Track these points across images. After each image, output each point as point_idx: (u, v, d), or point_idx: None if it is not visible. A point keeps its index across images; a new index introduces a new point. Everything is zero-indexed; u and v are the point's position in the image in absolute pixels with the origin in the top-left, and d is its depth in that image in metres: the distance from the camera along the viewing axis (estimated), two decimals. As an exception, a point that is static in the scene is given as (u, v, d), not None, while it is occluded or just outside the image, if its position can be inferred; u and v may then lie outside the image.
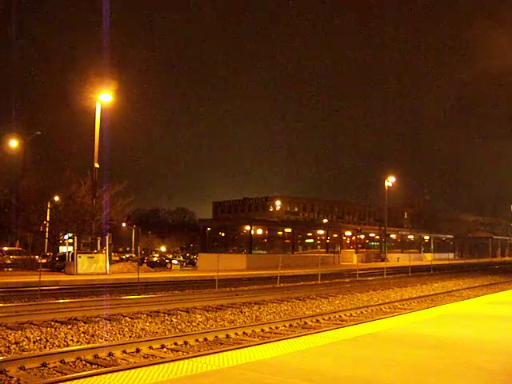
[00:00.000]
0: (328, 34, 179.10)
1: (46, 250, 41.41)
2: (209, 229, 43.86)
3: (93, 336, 10.54)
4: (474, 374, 5.44)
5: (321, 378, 5.18)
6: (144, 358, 8.82)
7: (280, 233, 45.86)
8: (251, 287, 22.43)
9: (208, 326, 12.35)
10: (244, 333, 11.18)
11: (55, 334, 10.43)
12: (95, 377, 5.29)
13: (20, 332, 10.48)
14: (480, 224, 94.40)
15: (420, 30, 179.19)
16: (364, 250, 53.90)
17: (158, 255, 61.26)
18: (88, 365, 8.17)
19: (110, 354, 8.72)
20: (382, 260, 51.35)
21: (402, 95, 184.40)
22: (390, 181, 56.60)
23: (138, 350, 9.12)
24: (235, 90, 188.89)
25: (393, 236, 60.95)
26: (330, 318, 13.80)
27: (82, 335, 10.51)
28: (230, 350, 7.61)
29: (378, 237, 58.20)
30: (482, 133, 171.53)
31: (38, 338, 10.01)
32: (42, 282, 18.24)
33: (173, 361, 6.20)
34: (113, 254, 43.19)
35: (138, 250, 55.94)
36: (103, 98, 28.70)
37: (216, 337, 10.57)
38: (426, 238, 67.03)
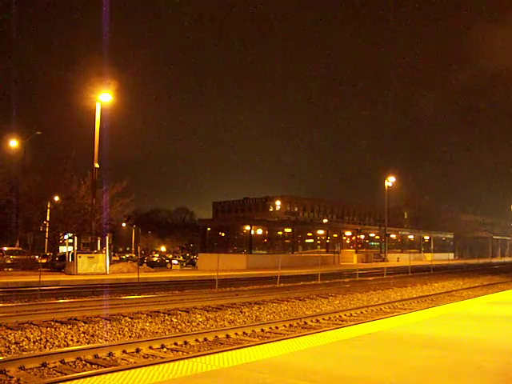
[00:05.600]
0: (328, 33, 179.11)
1: (45, 250, 41.39)
2: (209, 229, 43.84)
3: (93, 336, 10.54)
4: (474, 374, 5.43)
5: (321, 378, 5.17)
6: (144, 357, 8.81)
7: (280, 233, 45.87)
8: (251, 287, 22.43)
9: (208, 326, 12.34)
10: (244, 333, 11.17)
11: (55, 334, 10.43)
12: (95, 377, 5.28)
13: (20, 332, 10.47)
14: (480, 224, 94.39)
15: (421, 30, 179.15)
16: (364, 250, 53.87)
17: (157, 255, 61.20)
18: (88, 365, 8.17)
19: (109, 354, 8.71)
20: (382, 260, 51.33)
21: (402, 95, 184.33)
22: (390, 181, 56.58)
23: (137, 350, 9.11)
24: (235, 89, 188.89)
25: (393, 236, 60.92)
26: (330, 317, 13.79)
27: (82, 335, 10.51)
28: (229, 350, 7.60)
29: (378, 237, 58.18)
30: (482, 133, 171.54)
31: (38, 338, 10.01)
32: (42, 281, 18.23)
33: (173, 361, 6.19)
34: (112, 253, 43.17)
35: (138, 250, 55.93)
36: (103, 97, 28.68)
37: (216, 337, 10.57)
38: (426, 237, 67.00)
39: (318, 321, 13.22)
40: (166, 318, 12.96)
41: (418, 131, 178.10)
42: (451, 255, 65.77)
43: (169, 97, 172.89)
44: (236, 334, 11.02)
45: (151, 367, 5.60)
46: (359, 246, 53.66)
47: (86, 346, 9.37)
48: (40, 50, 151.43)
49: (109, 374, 5.38)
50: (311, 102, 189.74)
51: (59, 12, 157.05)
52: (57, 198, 36.39)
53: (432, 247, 66.49)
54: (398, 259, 54.27)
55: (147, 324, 12.06)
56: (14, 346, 9.38)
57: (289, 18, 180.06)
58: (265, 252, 41.93)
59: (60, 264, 30.86)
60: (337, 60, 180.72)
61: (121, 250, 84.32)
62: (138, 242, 72.92)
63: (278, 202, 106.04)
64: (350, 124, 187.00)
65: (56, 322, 11.85)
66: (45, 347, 9.49)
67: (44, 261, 34.10)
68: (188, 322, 12.62)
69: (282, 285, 23.65)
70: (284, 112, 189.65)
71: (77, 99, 32.68)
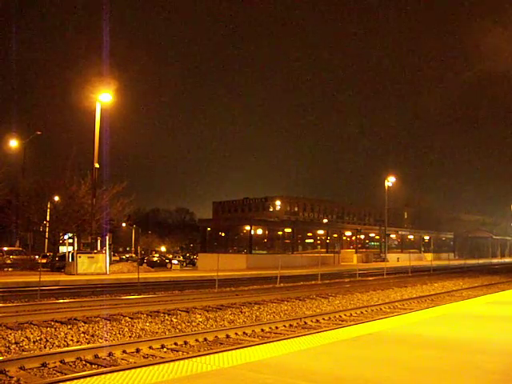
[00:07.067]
0: (328, 33, 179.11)
1: (45, 250, 41.40)
2: (209, 229, 43.87)
3: (93, 336, 10.53)
4: (473, 374, 5.43)
5: (321, 378, 5.17)
6: (144, 358, 8.81)
7: (280, 233, 45.87)
8: (251, 287, 22.43)
9: (208, 326, 12.34)
10: (244, 333, 11.17)
11: (55, 334, 10.43)
12: (95, 377, 5.28)
13: (20, 332, 10.47)
14: (480, 224, 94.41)
15: (421, 31, 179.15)
16: (364, 250, 53.88)
17: (157, 255, 61.20)
18: (88, 365, 8.17)
19: (109, 354, 8.71)
20: (382, 260, 51.33)
21: (402, 95, 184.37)
22: (390, 181, 56.60)
23: (138, 350, 9.11)
24: (235, 89, 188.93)
25: (393, 236, 60.93)
26: (330, 317, 13.80)
27: (82, 335, 10.51)
28: (229, 350, 7.60)
29: (377, 237, 58.19)
30: (483, 133, 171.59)
31: (38, 338, 10.00)
32: (42, 281, 18.22)
33: (173, 361, 6.20)
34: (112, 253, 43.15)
35: (138, 250, 55.93)
36: (103, 98, 28.66)
37: (216, 337, 10.57)
38: (426, 237, 66.99)
39: (317, 321, 13.22)
40: (166, 318, 12.96)
41: (419, 131, 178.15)
42: (451, 255, 65.77)
43: (169, 96, 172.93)
44: (236, 333, 11.02)
45: (151, 367, 5.60)
46: (359, 246, 53.68)
47: (86, 346, 9.37)
48: (40, 50, 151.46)
49: (109, 374, 5.38)
50: (311, 102, 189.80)
51: (59, 12, 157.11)
52: (57, 198, 36.36)
53: (432, 247, 66.49)
54: (398, 259, 54.28)
55: (147, 324, 12.06)
56: (14, 346, 9.37)
57: (284, 16, 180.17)
58: (265, 252, 41.95)
59: (60, 264, 30.85)
60: (337, 60, 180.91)
61: (121, 250, 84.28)
62: (138, 242, 72.89)
63: (278, 202, 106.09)
64: (350, 124, 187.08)
65: (56, 322, 11.85)
66: (45, 347, 9.48)
67: (44, 261, 34.11)
68: (188, 322, 12.62)
69: (281, 285, 23.64)
70: (284, 112, 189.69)
71: (77, 99, 32.66)
